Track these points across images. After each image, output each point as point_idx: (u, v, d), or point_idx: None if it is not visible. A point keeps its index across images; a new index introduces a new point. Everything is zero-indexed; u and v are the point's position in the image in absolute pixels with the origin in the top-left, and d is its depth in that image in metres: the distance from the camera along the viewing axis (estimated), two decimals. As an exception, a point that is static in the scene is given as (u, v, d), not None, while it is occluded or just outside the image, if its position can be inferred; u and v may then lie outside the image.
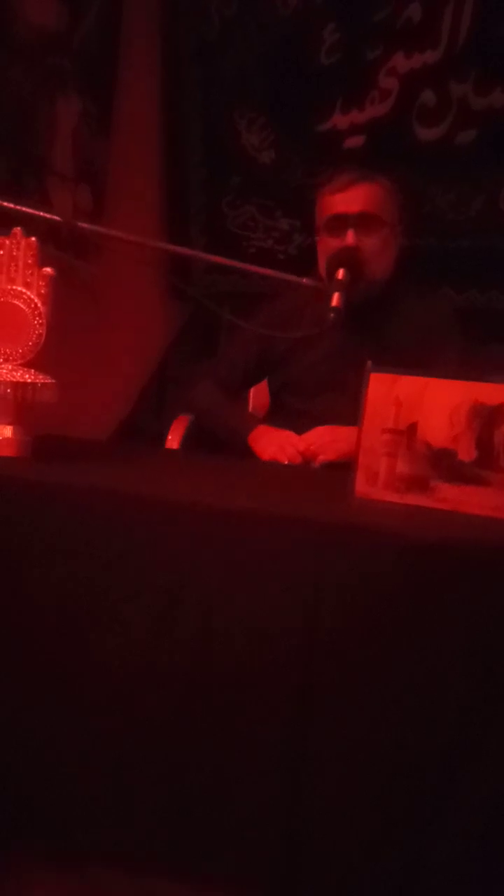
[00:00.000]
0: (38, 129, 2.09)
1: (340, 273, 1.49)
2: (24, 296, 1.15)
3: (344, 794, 0.90)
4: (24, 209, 1.31)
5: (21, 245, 1.15)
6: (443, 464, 1.00)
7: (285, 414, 1.69)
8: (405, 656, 0.89)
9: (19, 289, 1.15)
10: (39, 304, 1.14)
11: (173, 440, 1.75)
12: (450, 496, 1.00)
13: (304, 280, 1.42)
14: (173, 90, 2.56)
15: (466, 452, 0.99)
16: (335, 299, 1.42)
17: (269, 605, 0.93)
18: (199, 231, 2.66)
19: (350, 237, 1.57)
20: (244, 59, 2.51)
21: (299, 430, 1.57)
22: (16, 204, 1.25)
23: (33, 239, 1.15)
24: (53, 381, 1.15)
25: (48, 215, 1.34)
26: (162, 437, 1.82)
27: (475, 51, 2.30)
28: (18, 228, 1.15)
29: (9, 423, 1.15)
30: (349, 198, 1.60)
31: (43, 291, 1.15)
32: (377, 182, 1.63)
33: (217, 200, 2.65)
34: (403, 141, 2.39)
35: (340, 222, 1.59)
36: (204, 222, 2.67)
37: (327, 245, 1.61)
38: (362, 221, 1.58)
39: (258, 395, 1.93)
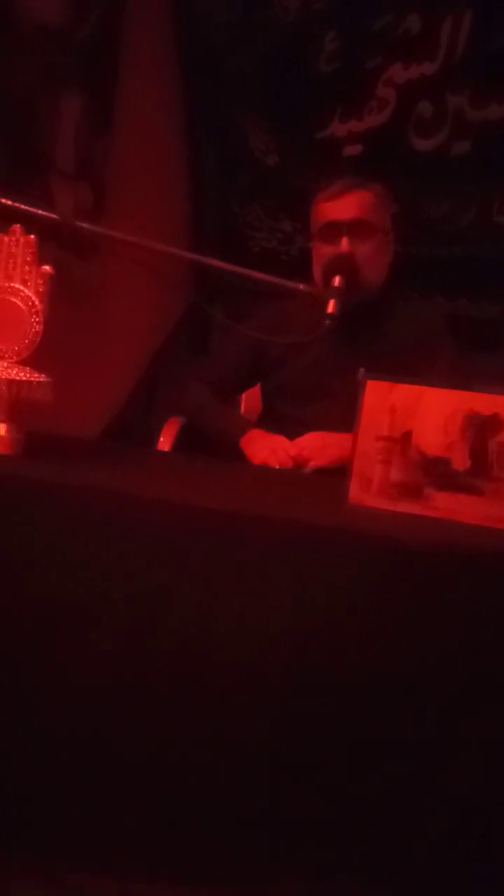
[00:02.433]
0: (41, 126, 2.09)
1: (337, 280, 1.50)
2: (22, 293, 1.14)
3: (335, 788, 0.91)
4: (22, 206, 1.31)
5: (20, 242, 1.14)
6: (436, 472, 1.01)
7: (277, 419, 1.69)
8: (396, 663, 0.89)
9: (17, 286, 1.14)
10: (37, 302, 1.14)
11: (165, 442, 1.75)
12: (442, 504, 1.01)
13: (301, 286, 1.43)
14: (183, 92, 2.58)
15: (460, 461, 1.00)
16: (331, 306, 1.42)
17: (259, 607, 0.93)
18: (213, 230, 2.69)
19: (344, 244, 1.58)
20: (247, 64, 2.52)
21: (291, 435, 1.57)
22: (18, 201, 1.25)
23: (32, 237, 1.14)
24: (49, 379, 1.15)
25: (46, 213, 1.34)
26: (152, 438, 1.82)
27: (472, 64, 2.32)
28: (18, 226, 1.15)
29: (2, 421, 1.14)
30: (342, 205, 1.60)
31: (41, 289, 1.14)
32: (370, 189, 1.63)
33: (227, 200, 2.69)
34: (400, 151, 2.40)
35: (334, 230, 1.60)
36: (216, 220, 2.71)
37: (322, 252, 1.62)
38: (356, 228, 1.59)
39: (250, 400, 1.93)
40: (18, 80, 1.98)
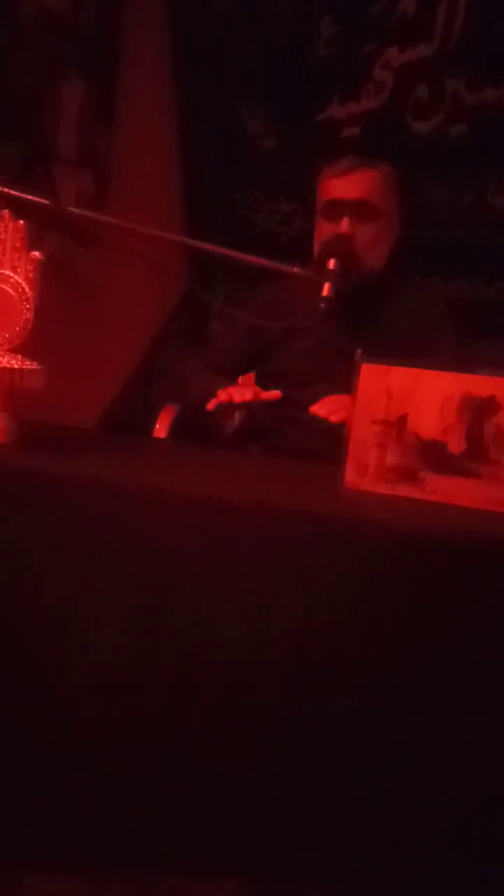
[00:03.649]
0: (43, 114, 2.07)
1: (332, 263, 1.47)
2: (12, 280, 1.13)
3: (335, 788, 0.90)
4: (10, 192, 1.29)
5: (9, 228, 1.13)
6: (432, 455, 1.00)
7: (272, 403, 1.67)
8: (395, 647, 0.89)
9: (6, 272, 1.13)
10: (27, 289, 1.13)
11: (161, 430, 1.74)
12: (439, 488, 1.00)
13: (297, 269, 1.41)
14: (182, 78, 2.57)
15: (456, 444, 0.99)
16: (326, 289, 1.40)
17: (258, 595, 0.93)
18: (213, 213, 2.71)
19: (345, 224, 1.55)
20: (245, 49, 2.52)
21: (287, 417, 1.55)
22: (20, 189, 1.23)
23: (21, 222, 1.13)
24: (40, 367, 1.14)
25: (35, 198, 1.32)
26: (148, 426, 1.81)
27: (469, 47, 2.30)
28: (6, 211, 1.13)
29: (-5, 409, 1.14)
30: (348, 184, 1.57)
31: (31, 276, 1.13)
32: (378, 169, 1.59)
33: (227, 184, 2.69)
34: (397, 133, 2.39)
35: (337, 208, 1.57)
36: (217, 205, 2.72)
37: (322, 230, 1.59)
38: (359, 209, 1.55)
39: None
40: (20, 68, 1.96)
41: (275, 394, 1.38)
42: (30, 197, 1.29)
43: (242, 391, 1.39)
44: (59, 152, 2.13)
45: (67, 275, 2.02)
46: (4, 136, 1.93)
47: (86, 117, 2.22)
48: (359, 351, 1.03)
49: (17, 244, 1.12)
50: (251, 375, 1.81)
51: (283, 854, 0.93)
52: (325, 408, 1.39)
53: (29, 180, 1.99)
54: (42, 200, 1.33)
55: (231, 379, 1.77)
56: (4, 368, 1.11)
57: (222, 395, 1.37)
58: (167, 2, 2.50)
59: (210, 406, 1.37)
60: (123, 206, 2.22)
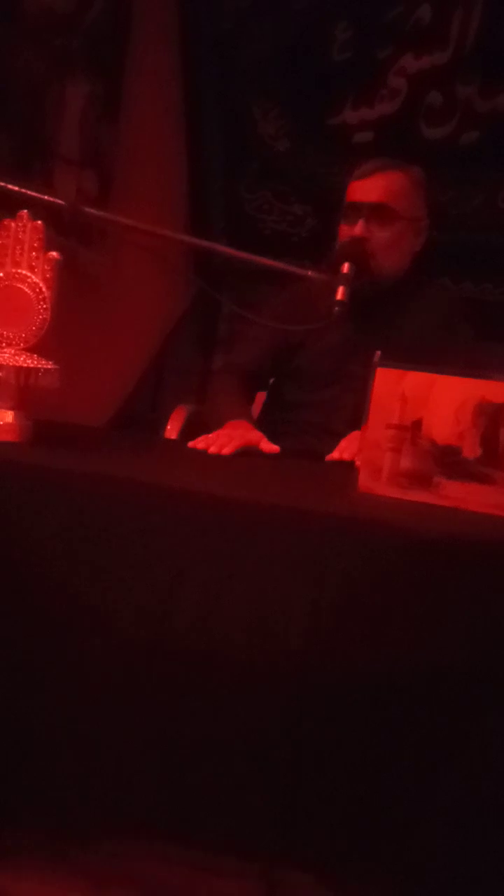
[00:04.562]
0: (45, 112, 2.07)
1: (345, 267, 1.48)
2: (29, 280, 1.13)
3: (340, 782, 0.91)
4: (28, 192, 1.30)
5: (27, 228, 1.13)
6: (447, 460, 1.00)
7: (285, 406, 1.67)
8: (405, 651, 0.89)
9: (24, 272, 1.13)
10: (44, 289, 1.13)
11: (172, 430, 1.74)
12: (453, 493, 1.00)
13: (310, 273, 1.41)
14: (190, 77, 2.57)
15: (471, 450, 0.99)
16: (340, 293, 1.40)
17: (269, 596, 0.93)
18: (218, 214, 2.71)
19: (359, 227, 1.54)
20: (258, 50, 2.52)
21: (301, 419, 1.55)
22: (20, 187, 1.24)
23: (40, 222, 1.14)
24: (56, 366, 1.14)
25: (52, 199, 1.33)
26: (158, 426, 1.81)
27: (482, 54, 2.31)
28: (25, 211, 1.14)
29: (10, 408, 1.14)
30: (368, 186, 1.56)
31: (48, 276, 1.13)
32: (403, 172, 1.58)
33: (235, 185, 2.69)
34: (410, 139, 2.40)
35: (355, 211, 1.56)
36: (223, 206, 2.72)
37: (343, 232, 1.58)
38: (376, 212, 1.55)
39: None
40: (23, 65, 1.96)
41: (274, 448, 1.38)
42: (46, 197, 1.29)
43: (224, 441, 1.35)
44: (60, 151, 2.13)
45: (73, 274, 2.03)
46: (5, 135, 1.93)
47: (90, 116, 2.21)
48: (377, 353, 1.03)
49: (36, 244, 1.13)
50: (259, 396, 1.78)
51: (286, 851, 0.93)
52: (339, 451, 1.39)
53: (29, 179, 1.99)
54: (58, 201, 1.34)
55: (257, 383, 1.74)
56: (21, 368, 1.12)
57: (199, 443, 1.35)
58: (175, 0, 2.50)
59: (189, 444, 1.36)
60: (128, 206, 2.22)
